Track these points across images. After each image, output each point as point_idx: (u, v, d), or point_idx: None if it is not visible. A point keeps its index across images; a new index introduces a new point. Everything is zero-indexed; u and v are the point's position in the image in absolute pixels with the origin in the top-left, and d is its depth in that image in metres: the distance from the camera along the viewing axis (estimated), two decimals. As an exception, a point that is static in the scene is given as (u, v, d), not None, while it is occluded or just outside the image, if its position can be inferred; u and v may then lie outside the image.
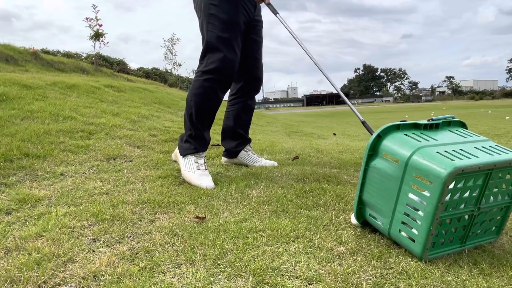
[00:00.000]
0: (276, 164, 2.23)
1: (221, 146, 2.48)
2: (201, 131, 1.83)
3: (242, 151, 2.20)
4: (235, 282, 0.86)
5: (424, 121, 1.12)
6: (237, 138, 2.18)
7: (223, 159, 2.27)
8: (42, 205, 1.33)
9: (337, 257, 0.99)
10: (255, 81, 2.10)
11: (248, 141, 2.23)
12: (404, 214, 1.00)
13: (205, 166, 1.80)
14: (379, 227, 1.10)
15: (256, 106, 2.32)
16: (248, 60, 2.00)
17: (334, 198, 1.51)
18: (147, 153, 2.29)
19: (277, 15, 1.85)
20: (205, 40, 1.77)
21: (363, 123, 1.47)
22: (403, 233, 1.01)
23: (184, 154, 1.81)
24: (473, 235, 1.06)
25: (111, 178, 1.73)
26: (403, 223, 1.01)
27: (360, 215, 1.17)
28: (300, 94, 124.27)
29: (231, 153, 2.20)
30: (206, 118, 1.84)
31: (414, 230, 0.97)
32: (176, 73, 15.10)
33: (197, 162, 1.78)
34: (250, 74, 2.06)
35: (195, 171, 1.76)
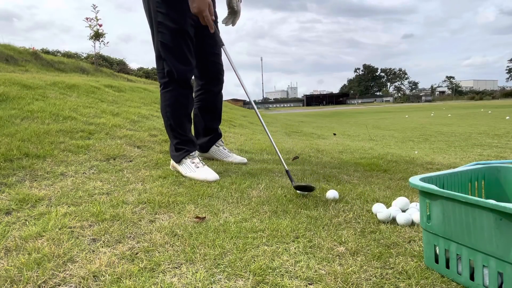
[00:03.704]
0: (245, 160, 2.28)
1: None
2: (185, 135, 1.93)
3: (214, 146, 2.28)
4: (235, 282, 0.86)
5: None
6: (208, 133, 2.25)
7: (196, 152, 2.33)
8: (42, 205, 1.33)
9: (337, 257, 0.99)
10: (217, 75, 2.15)
11: (219, 136, 2.30)
12: None
13: (202, 162, 1.89)
14: None
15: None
16: (207, 57, 2.05)
17: (334, 198, 1.50)
18: (147, 153, 2.29)
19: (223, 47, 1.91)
20: (157, 49, 1.83)
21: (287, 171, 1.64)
22: None
23: (179, 160, 1.89)
24: None
25: (111, 178, 1.73)
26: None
27: None
28: (300, 94, 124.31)
29: (202, 148, 2.27)
30: (185, 122, 1.94)
31: None
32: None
33: (193, 162, 1.87)
34: (211, 70, 2.11)
35: (195, 170, 1.84)
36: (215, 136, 2.27)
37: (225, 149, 2.32)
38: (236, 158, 2.28)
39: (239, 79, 1.93)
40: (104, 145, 2.26)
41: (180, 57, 1.82)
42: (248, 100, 1.97)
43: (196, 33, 1.91)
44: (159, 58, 1.84)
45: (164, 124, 1.96)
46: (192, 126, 2.07)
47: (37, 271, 0.88)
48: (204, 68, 2.08)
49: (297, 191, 1.54)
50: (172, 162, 1.96)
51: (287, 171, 1.67)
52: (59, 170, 1.75)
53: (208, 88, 2.16)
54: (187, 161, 1.87)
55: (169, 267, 0.92)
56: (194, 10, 1.71)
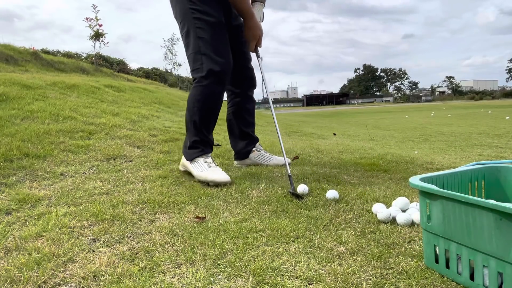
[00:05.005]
0: (289, 161, 2.23)
1: (220, 145, 2.50)
2: (206, 135, 1.86)
3: (255, 151, 2.22)
4: (235, 282, 0.86)
5: None
6: (244, 137, 2.20)
7: (235, 162, 2.27)
8: (42, 205, 1.33)
9: (337, 257, 0.99)
10: (249, 78, 2.14)
11: (255, 140, 2.25)
12: None
13: (214, 163, 1.83)
14: None
15: (256, 106, 2.34)
16: (239, 61, 2.01)
17: (334, 198, 1.50)
18: (147, 153, 2.29)
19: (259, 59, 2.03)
20: (195, 45, 1.78)
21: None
22: None
23: (191, 158, 1.82)
24: None
25: (111, 178, 1.73)
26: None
27: None
28: (300, 94, 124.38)
29: (242, 155, 2.21)
30: (212, 121, 1.87)
31: None
32: (176, 73, 15.12)
33: (206, 161, 1.81)
34: (242, 72, 2.09)
35: (207, 169, 1.77)
36: (252, 140, 2.22)
37: (267, 153, 2.26)
38: (280, 159, 2.24)
39: (265, 88, 2.00)
40: (104, 145, 2.26)
41: (220, 50, 1.79)
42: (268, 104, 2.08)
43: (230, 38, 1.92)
44: (197, 53, 1.78)
45: (186, 118, 1.87)
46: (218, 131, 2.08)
47: (37, 271, 0.88)
48: (236, 72, 2.03)
49: (291, 195, 1.55)
50: (182, 161, 1.88)
51: (289, 176, 1.68)
52: (59, 170, 1.75)
53: (240, 93, 2.15)
54: (200, 160, 1.81)
55: (169, 267, 0.92)
56: (254, 37, 1.87)
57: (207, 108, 1.82)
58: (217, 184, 1.70)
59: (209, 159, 1.83)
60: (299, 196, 1.50)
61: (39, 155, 1.88)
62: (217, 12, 1.80)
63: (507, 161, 1.13)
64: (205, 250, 1.01)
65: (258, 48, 2.01)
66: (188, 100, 1.86)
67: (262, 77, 2.02)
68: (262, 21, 2.06)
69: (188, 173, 1.88)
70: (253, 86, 2.19)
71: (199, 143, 1.84)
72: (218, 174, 1.72)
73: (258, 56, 2.01)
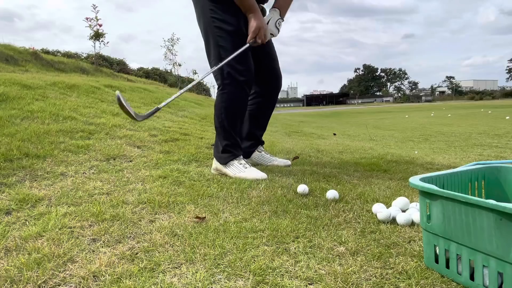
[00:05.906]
0: (289, 162, 2.26)
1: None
2: (235, 138, 1.97)
3: (256, 152, 2.26)
4: (235, 282, 0.86)
5: None
6: (251, 139, 2.24)
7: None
8: (42, 205, 1.33)
9: (337, 257, 0.99)
10: (274, 79, 2.16)
11: (261, 143, 2.30)
12: None
13: (248, 163, 1.95)
14: None
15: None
16: (263, 60, 2.06)
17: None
18: (147, 153, 2.29)
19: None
20: (216, 53, 1.87)
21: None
22: None
23: (225, 162, 1.93)
24: None
25: (111, 178, 1.73)
26: None
27: None
28: (300, 94, 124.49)
29: (244, 154, 2.22)
30: (238, 125, 1.98)
31: None
32: (176, 73, 15.10)
33: (240, 163, 1.93)
34: (266, 72, 2.11)
35: (244, 170, 1.89)
36: (257, 142, 2.26)
37: (267, 154, 2.30)
38: (281, 161, 2.26)
39: None
40: (104, 145, 2.26)
41: (241, 58, 1.85)
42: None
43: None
44: (218, 61, 1.85)
45: (215, 124, 1.99)
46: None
47: (37, 271, 0.88)
48: (260, 71, 2.06)
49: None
50: (216, 165, 1.96)
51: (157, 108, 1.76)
52: (59, 170, 1.75)
53: (264, 93, 2.16)
54: (235, 163, 1.92)
55: (169, 267, 0.92)
56: (254, 31, 1.84)
57: (233, 113, 1.93)
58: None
59: (242, 161, 1.94)
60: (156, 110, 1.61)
61: (39, 155, 1.88)
62: (237, 20, 1.87)
63: (507, 161, 1.13)
64: (205, 250, 1.01)
65: (259, 41, 1.91)
66: (215, 107, 1.96)
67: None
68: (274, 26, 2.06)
69: (221, 175, 1.94)
70: (277, 87, 2.19)
71: (230, 147, 1.94)
72: (255, 174, 1.85)
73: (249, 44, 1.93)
